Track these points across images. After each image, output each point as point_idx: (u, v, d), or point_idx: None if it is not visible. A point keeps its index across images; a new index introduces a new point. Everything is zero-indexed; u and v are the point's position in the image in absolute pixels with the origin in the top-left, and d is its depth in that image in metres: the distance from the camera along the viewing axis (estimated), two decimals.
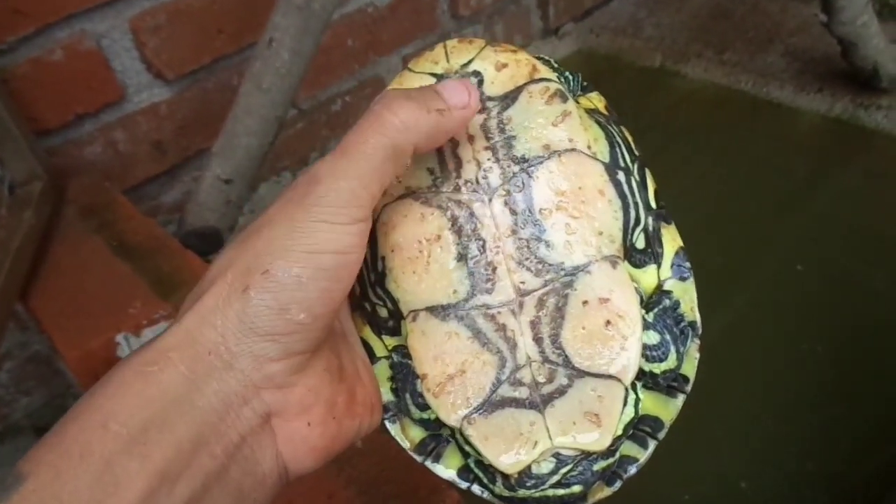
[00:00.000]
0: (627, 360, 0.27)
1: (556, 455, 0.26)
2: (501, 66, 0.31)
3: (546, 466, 0.26)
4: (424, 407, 0.29)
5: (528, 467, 0.26)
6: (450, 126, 0.28)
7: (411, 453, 0.30)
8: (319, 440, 0.28)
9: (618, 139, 0.31)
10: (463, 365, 0.28)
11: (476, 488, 0.29)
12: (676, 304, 0.30)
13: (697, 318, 0.30)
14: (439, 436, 0.30)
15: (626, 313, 0.27)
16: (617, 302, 0.28)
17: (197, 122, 0.97)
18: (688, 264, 0.31)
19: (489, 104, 0.30)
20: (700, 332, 0.30)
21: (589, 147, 0.29)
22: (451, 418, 0.27)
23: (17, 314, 0.85)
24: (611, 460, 0.28)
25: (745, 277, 0.95)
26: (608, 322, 0.27)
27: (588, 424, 0.26)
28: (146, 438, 0.24)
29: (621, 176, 0.30)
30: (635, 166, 0.31)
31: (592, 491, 0.27)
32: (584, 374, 0.27)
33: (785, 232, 1.00)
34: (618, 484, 0.29)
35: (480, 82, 0.31)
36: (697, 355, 0.30)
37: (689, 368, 0.30)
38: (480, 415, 0.27)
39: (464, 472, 0.29)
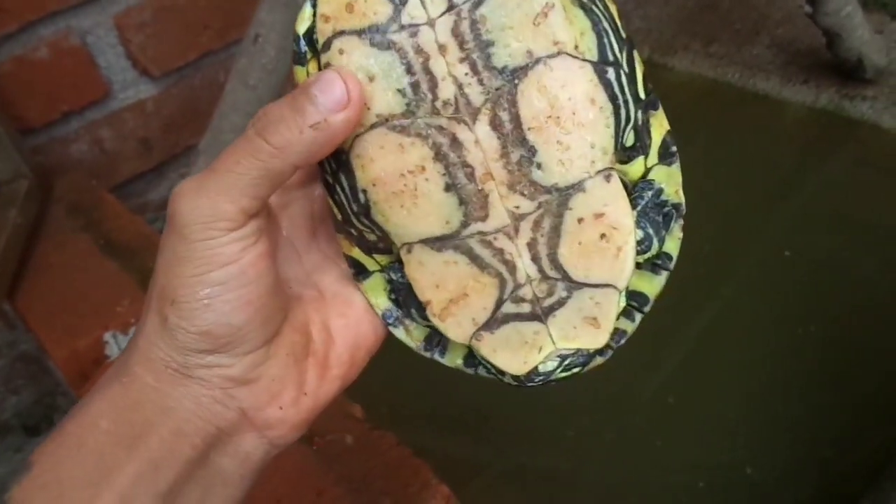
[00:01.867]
0: (622, 269, 0.28)
1: (560, 355, 0.29)
2: None
3: (551, 365, 0.29)
4: (427, 318, 0.30)
5: (535, 367, 0.29)
6: (329, 137, 0.26)
7: (420, 351, 0.32)
8: (296, 417, 0.30)
9: (604, 25, 0.28)
10: (464, 289, 0.28)
11: (483, 372, 0.31)
12: (660, 191, 0.30)
13: (682, 199, 0.30)
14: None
15: (620, 225, 0.28)
16: (611, 215, 0.28)
17: (183, 118, 0.96)
18: (674, 148, 0.31)
19: (457, 1, 0.26)
20: (684, 212, 0.31)
21: (576, 46, 0.27)
22: (461, 338, 0.29)
23: (5, 313, 0.84)
24: (608, 353, 0.30)
25: (734, 265, 0.95)
26: (603, 235, 0.28)
27: (588, 328, 0.28)
28: (133, 433, 0.27)
29: (611, 73, 0.27)
30: (623, 54, 0.28)
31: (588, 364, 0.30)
32: (581, 285, 0.28)
33: (772, 220, 1.01)
34: (609, 354, 0.30)
35: None
36: (681, 234, 0.31)
37: (673, 247, 0.31)
38: (487, 331, 0.29)
39: (469, 360, 0.31)
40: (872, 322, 0.85)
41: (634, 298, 0.31)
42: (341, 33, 0.26)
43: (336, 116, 0.26)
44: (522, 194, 0.27)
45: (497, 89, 0.26)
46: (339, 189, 0.29)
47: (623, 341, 0.31)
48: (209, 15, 0.93)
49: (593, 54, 0.27)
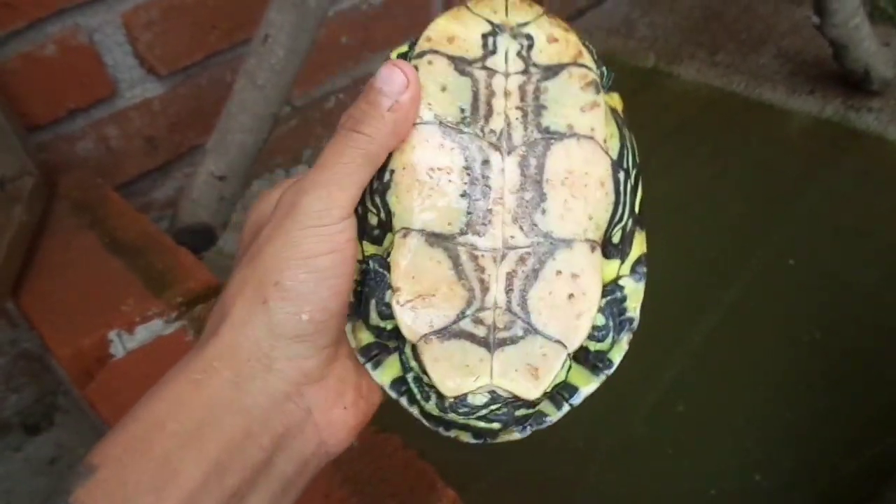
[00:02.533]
0: (577, 332, 0.30)
1: (492, 392, 0.30)
2: (553, 40, 0.33)
3: (480, 399, 0.30)
4: (387, 316, 0.31)
5: (465, 395, 0.29)
6: (405, 114, 0.30)
7: (356, 353, 0.32)
8: (353, 419, 0.32)
9: (628, 143, 0.34)
10: (436, 290, 0.30)
11: (404, 401, 0.32)
12: (625, 299, 0.33)
13: (637, 316, 0.33)
14: (386, 346, 0.32)
15: (588, 293, 0.31)
16: (585, 281, 0.31)
17: (190, 118, 0.96)
18: (644, 269, 0.35)
19: (532, 69, 0.32)
20: (636, 328, 0.33)
21: (605, 141, 0.32)
22: (411, 333, 0.30)
23: (7, 311, 0.84)
24: (531, 411, 0.31)
25: (736, 274, 0.95)
26: (571, 295, 0.30)
27: (527, 375, 0.30)
28: (200, 435, 0.27)
29: (622, 176, 0.32)
30: (634, 172, 0.34)
31: (505, 431, 0.31)
32: (537, 332, 0.30)
33: (776, 230, 1.01)
34: (528, 431, 0.32)
35: (531, 46, 0.32)
36: (626, 348, 0.33)
37: (616, 355, 0.33)
38: (437, 338, 0.30)
39: (397, 383, 0.32)
40: (874, 331, 0.85)
41: (567, 390, 0.33)
42: (436, 52, 0.32)
43: (404, 96, 0.30)
44: (521, 228, 0.31)
45: (535, 140, 0.31)
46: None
47: (543, 426, 0.33)
48: (217, 15, 0.93)
49: (614, 154, 0.32)
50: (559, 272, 0.31)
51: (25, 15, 0.79)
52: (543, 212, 0.31)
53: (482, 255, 0.30)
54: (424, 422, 0.31)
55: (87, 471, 0.26)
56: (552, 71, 0.32)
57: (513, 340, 0.30)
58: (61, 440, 0.97)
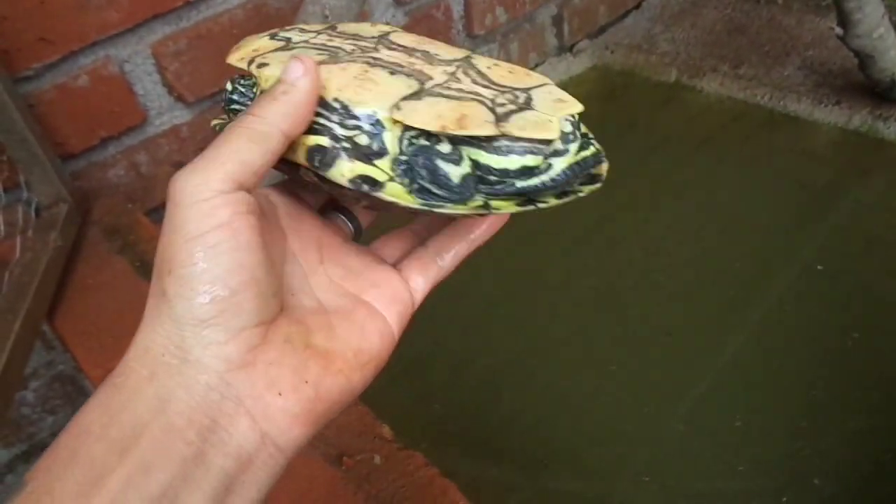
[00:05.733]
0: (540, 76, 0.34)
1: (568, 119, 0.32)
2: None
3: (568, 125, 0.31)
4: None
5: (561, 126, 0.31)
6: (301, 97, 0.31)
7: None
8: (296, 405, 0.29)
9: None
10: (461, 111, 0.30)
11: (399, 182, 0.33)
12: None
13: None
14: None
15: (505, 64, 0.35)
16: (498, 63, 0.34)
17: None
18: None
19: (321, 31, 0.37)
20: None
21: (390, 25, 0.38)
22: (491, 129, 0.30)
23: (43, 334, 0.86)
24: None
25: (767, 287, 0.94)
26: (510, 71, 0.34)
27: (564, 101, 0.32)
28: (122, 435, 0.27)
29: None
30: None
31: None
32: (528, 90, 0.33)
33: (806, 243, 1.00)
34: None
35: (302, 30, 0.37)
36: None
37: None
38: (502, 123, 0.31)
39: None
40: None
41: None
42: (259, 56, 0.35)
43: (300, 80, 0.31)
44: (440, 64, 0.34)
45: (375, 42, 0.36)
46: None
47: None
48: None
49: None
50: (489, 67, 0.34)
51: (60, 48, 0.82)
52: (437, 56, 0.35)
53: (450, 84, 0.32)
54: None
55: (19, 486, 0.26)
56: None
57: (530, 98, 0.33)
58: None
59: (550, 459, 0.81)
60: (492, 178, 0.31)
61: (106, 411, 0.27)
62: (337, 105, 0.32)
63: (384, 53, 0.34)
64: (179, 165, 0.97)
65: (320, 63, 0.33)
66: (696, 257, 1.01)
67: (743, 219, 1.06)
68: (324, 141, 0.32)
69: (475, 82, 0.32)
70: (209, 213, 0.28)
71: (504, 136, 0.30)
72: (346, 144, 0.32)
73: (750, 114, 1.22)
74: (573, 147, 0.31)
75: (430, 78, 0.32)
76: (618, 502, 0.76)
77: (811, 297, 0.92)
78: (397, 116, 0.30)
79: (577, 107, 0.32)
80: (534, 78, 0.34)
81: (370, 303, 0.34)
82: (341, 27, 0.37)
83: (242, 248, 0.28)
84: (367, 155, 0.31)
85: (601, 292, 0.98)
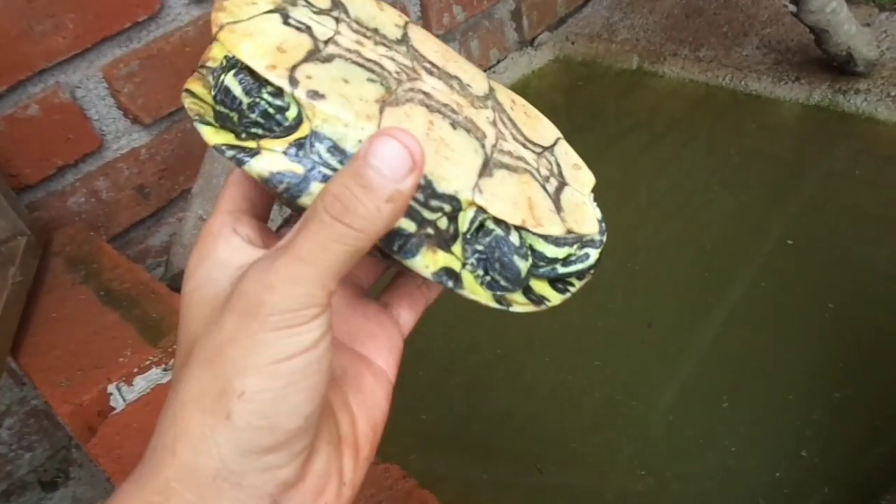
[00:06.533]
0: (550, 124, 0.35)
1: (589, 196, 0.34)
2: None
3: (594, 210, 0.34)
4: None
5: (595, 220, 0.33)
6: (404, 203, 0.25)
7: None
8: None
9: None
10: (526, 194, 0.31)
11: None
12: None
13: None
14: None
15: (517, 98, 0.35)
16: (511, 96, 0.35)
17: (178, 163, 0.97)
18: None
19: (332, 13, 0.31)
20: None
21: (400, 16, 0.33)
22: (559, 229, 0.31)
23: (14, 370, 0.85)
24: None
25: (746, 263, 0.95)
26: (525, 112, 0.34)
27: (581, 172, 0.34)
28: None
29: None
30: None
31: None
32: (551, 148, 0.34)
33: (780, 216, 1.00)
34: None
35: (308, 1, 0.31)
36: None
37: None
38: (557, 212, 0.32)
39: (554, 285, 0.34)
40: (891, 309, 0.84)
41: None
42: (294, 67, 0.28)
43: (405, 183, 0.25)
44: (481, 107, 0.32)
45: (407, 51, 0.31)
46: None
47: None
48: (195, 60, 0.93)
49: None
50: (511, 106, 0.34)
51: (6, 78, 0.81)
52: (468, 86, 0.33)
53: (502, 146, 0.32)
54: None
55: None
56: (337, 5, 0.32)
57: (559, 165, 0.34)
58: (78, 494, 0.98)
59: (542, 456, 0.80)
60: (540, 263, 0.32)
61: None
62: (422, 180, 0.28)
63: (428, 83, 0.31)
64: (141, 189, 0.96)
65: (382, 104, 0.28)
66: (672, 241, 1.01)
67: (715, 199, 1.06)
68: (408, 225, 0.29)
69: (515, 138, 0.32)
70: (302, 339, 0.25)
71: (569, 231, 0.31)
72: (430, 230, 0.29)
73: (713, 95, 1.23)
74: (604, 238, 0.33)
75: (485, 135, 0.31)
76: (612, 493, 0.76)
77: (787, 270, 0.93)
78: (480, 202, 0.29)
79: (592, 177, 0.34)
80: (544, 124, 0.35)
81: (370, 359, 0.32)
82: (351, 9, 0.32)
83: (322, 372, 0.26)
84: (446, 240, 0.30)
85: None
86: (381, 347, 0.33)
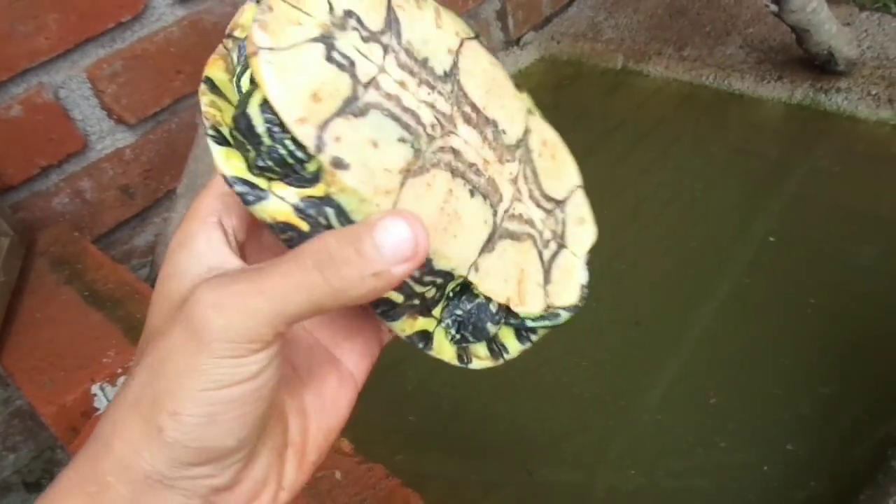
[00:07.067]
0: (573, 167, 0.34)
1: (586, 263, 0.34)
2: None
3: (584, 275, 0.33)
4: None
5: (581, 286, 0.33)
6: (387, 285, 0.24)
7: (500, 361, 0.34)
8: None
9: None
10: (519, 266, 0.31)
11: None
12: None
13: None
14: None
15: (552, 138, 0.33)
16: (547, 137, 0.33)
17: (163, 163, 0.97)
18: None
19: (383, 38, 0.28)
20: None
21: (457, 33, 0.31)
22: (539, 307, 0.32)
23: None
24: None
25: (732, 260, 0.96)
26: (553, 156, 0.33)
27: (584, 228, 0.34)
28: None
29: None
30: None
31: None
32: (565, 201, 0.33)
33: (765, 214, 1.01)
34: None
35: (359, 20, 0.28)
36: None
37: None
38: (548, 284, 0.32)
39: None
40: (875, 307, 0.86)
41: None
42: (326, 123, 0.26)
43: (399, 267, 0.24)
44: (508, 160, 0.31)
45: (451, 91, 0.29)
46: None
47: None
48: (180, 60, 0.94)
49: (468, 31, 0.32)
50: (540, 154, 0.33)
51: None
52: (503, 132, 0.31)
53: (514, 209, 0.31)
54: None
55: None
56: (391, 22, 0.29)
57: (564, 224, 0.34)
58: None
59: (530, 454, 0.81)
60: (512, 320, 0.32)
61: None
62: None
63: (462, 135, 0.29)
64: (125, 189, 0.96)
65: (406, 174, 0.27)
66: (659, 240, 1.02)
67: (701, 197, 1.07)
68: (397, 297, 0.28)
69: (531, 195, 0.32)
70: (240, 369, 0.24)
71: (548, 307, 0.32)
72: (416, 301, 0.29)
73: (697, 94, 1.24)
74: (581, 304, 0.33)
75: (501, 198, 0.30)
76: (601, 490, 0.77)
77: (771, 267, 0.94)
78: (473, 279, 0.30)
79: (593, 235, 0.34)
80: (568, 171, 0.34)
81: (341, 362, 0.32)
82: (406, 29, 0.29)
83: (263, 399, 0.25)
84: (428, 307, 0.30)
85: None
86: (355, 351, 0.32)
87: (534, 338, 0.33)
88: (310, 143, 0.25)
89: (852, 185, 1.03)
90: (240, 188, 0.27)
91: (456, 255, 0.29)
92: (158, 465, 0.25)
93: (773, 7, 1.01)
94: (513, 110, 0.32)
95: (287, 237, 0.27)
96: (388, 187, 0.27)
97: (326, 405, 0.30)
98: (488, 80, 0.31)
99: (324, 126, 0.26)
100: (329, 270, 0.24)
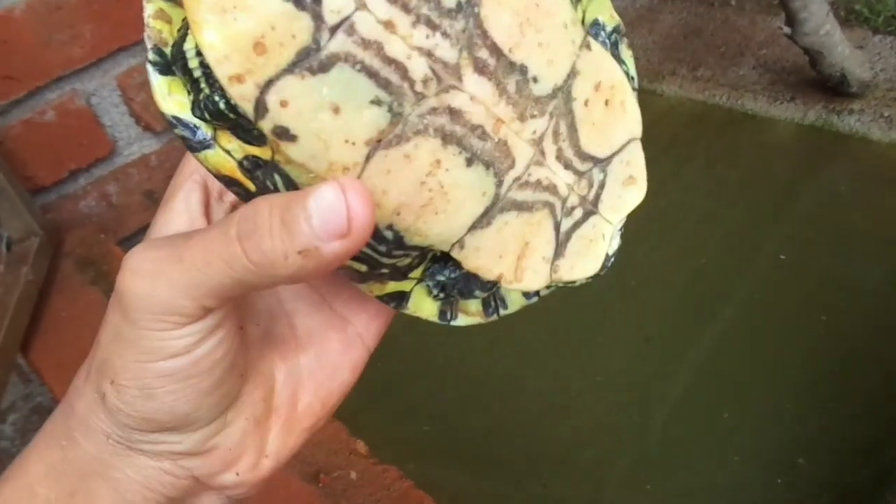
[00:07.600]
0: (634, 118, 0.27)
1: (619, 229, 0.28)
2: None
3: (616, 243, 0.28)
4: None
5: (607, 255, 0.28)
6: (317, 267, 0.21)
7: (485, 320, 0.30)
8: (254, 478, 0.27)
9: None
10: (524, 239, 0.26)
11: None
12: (603, 25, 0.27)
13: (618, 20, 0.28)
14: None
15: (615, 81, 0.26)
16: (605, 78, 0.26)
17: None
18: None
19: None
20: (623, 30, 0.28)
21: None
22: (541, 282, 0.27)
23: (20, 367, 0.87)
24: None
25: (740, 281, 0.97)
26: (607, 101, 0.26)
27: (630, 188, 0.28)
28: (73, 501, 0.25)
29: None
30: None
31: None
32: (611, 158, 0.27)
33: (775, 235, 1.02)
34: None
35: None
36: (630, 52, 0.28)
37: (630, 66, 0.28)
38: (559, 258, 0.27)
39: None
40: (882, 331, 0.86)
41: None
42: (269, 83, 0.20)
43: (330, 245, 0.20)
44: (534, 116, 0.24)
45: (463, 31, 0.22)
46: None
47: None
48: None
49: None
50: (586, 102, 0.26)
51: (25, 85, 0.83)
52: (535, 79, 0.24)
53: (529, 175, 0.26)
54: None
55: None
56: None
57: (602, 185, 0.28)
58: None
59: (539, 467, 0.81)
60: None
61: (53, 472, 0.25)
62: (389, 235, 0.24)
63: (468, 90, 0.23)
64: (150, 194, 0.98)
65: (375, 146, 0.22)
66: (670, 257, 1.03)
67: (712, 216, 1.08)
68: (360, 266, 0.25)
69: (560, 155, 0.26)
70: (167, 342, 0.23)
71: (554, 282, 0.27)
72: (384, 270, 0.26)
73: (710, 114, 1.25)
74: (602, 273, 0.29)
75: (512, 164, 0.24)
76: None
77: (781, 286, 0.94)
78: (457, 255, 0.25)
79: (639, 196, 0.28)
80: (624, 119, 0.27)
81: (349, 322, 0.29)
82: None
83: (203, 373, 0.24)
84: (404, 273, 0.27)
85: (581, 298, 0.99)
86: (365, 309, 0.29)
87: (543, 292, 0.29)
88: (247, 106, 0.21)
89: (863, 206, 1.04)
90: (180, 131, 0.23)
91: (436, 234, 0.24)
92: (112, 427, 0.25)
93: (787, 29, 1.03)
94: (556, 47, 0.24)
95: (234, 192, 0.24)
96: (349, 162, 0.22)
97: (326, 369, 0.28)
98: (526, 4, 0.23)
99: (267, 86, 0.20)
100: (249, 242, 0.21)
